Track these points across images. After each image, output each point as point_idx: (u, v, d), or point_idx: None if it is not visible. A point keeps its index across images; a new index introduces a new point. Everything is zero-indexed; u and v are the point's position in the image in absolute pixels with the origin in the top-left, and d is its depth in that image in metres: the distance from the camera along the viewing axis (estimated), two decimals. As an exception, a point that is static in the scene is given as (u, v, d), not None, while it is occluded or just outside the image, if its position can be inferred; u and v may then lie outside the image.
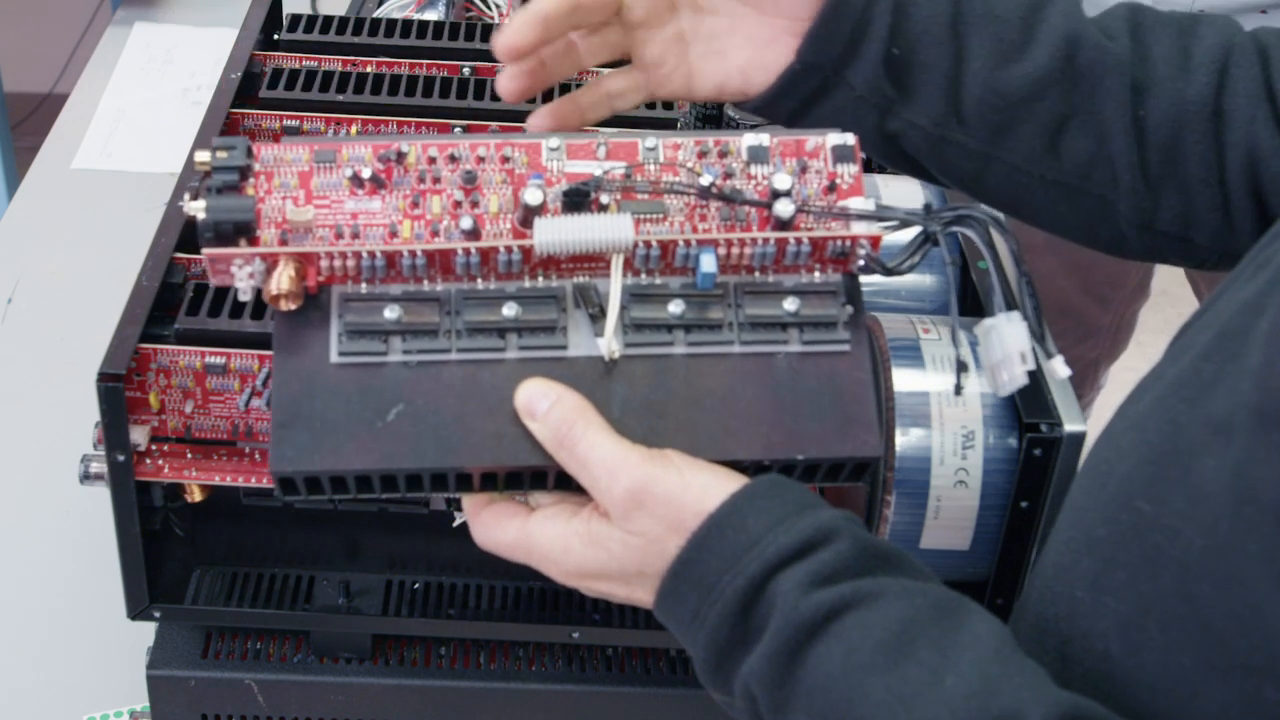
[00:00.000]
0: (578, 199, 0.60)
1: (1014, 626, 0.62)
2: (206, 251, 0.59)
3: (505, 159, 0.62)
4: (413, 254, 0.59)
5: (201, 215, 0.59)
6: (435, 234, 0.60)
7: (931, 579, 0.57)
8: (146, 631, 0.78)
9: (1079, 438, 0.68)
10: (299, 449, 0.58)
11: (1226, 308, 0.55)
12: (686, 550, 0.56)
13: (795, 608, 0.53)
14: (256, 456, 0.72)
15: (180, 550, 0.78)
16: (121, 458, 0.69)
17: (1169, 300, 1.68)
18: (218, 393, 0.70)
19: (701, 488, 0.57)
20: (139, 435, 0.70)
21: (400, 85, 0.91)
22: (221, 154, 0.60)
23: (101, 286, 1.09)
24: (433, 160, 0.61)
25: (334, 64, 0.95)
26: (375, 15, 1.13)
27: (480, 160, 0.62)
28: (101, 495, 0.71)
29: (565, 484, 0.60)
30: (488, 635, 0.78)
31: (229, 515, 0.78)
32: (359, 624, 0.76)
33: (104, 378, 0.67)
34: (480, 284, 0.60)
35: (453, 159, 0.62)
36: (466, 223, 0.60)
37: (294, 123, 0.89)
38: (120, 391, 0.67)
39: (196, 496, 0.75)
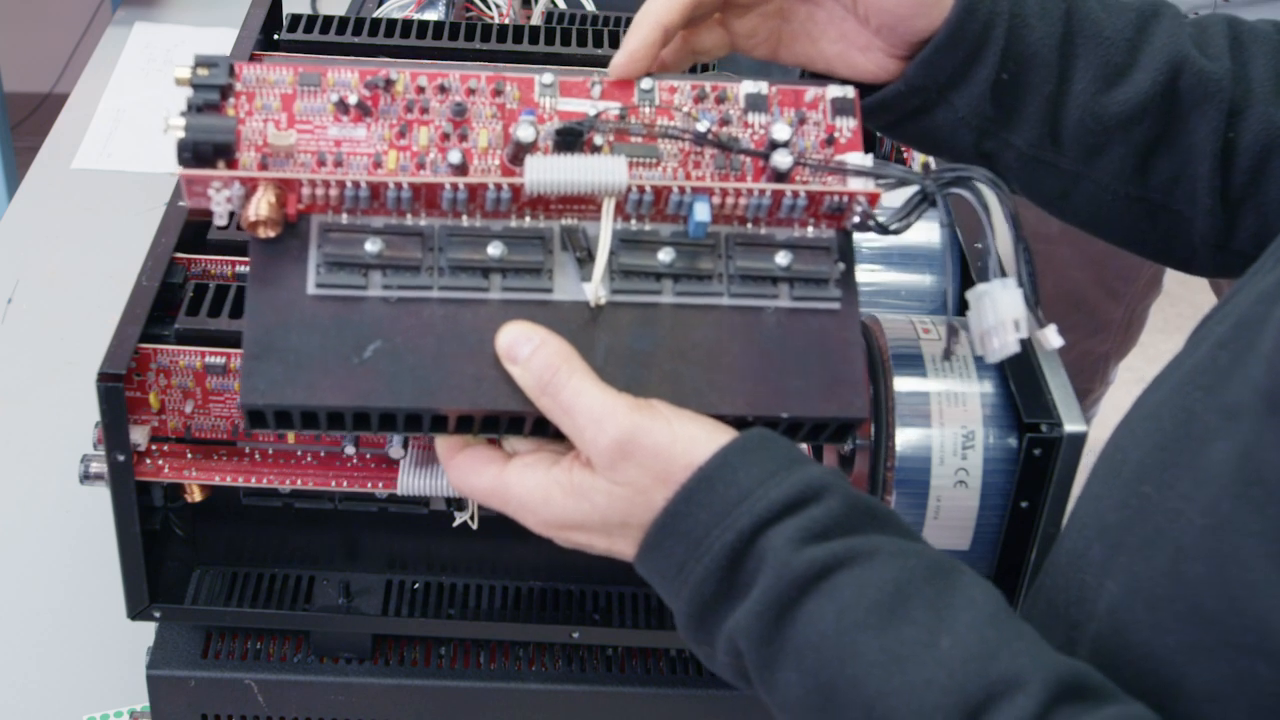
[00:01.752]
0: (570, 138, 0.59)
1: (1025, 613, 0.62)
2: (183, 172, 0.57)
3: (497, 92, 0.60)
4: (398, 186, 0.57)
5: (180, 134, 0.57)
6: (421, 166, 0.59)
7: (920, 539, 0.57)
8: (146, 631, 0.78)
9: (1079, 438, 0.68)
10: (271, 381, 0.56)
11: (1246, 298, 0.55)
12: (674, 503, 0.55)
13: (787, 563, 0.53)
14: (256, 456, 0.72)
15: (180, 550, 0.78)
16: (121, 458, 0.69)
17: (1170, 300, 1.68)
18: (218, 393, 0.70)
19: (690, 439, 0.56)
20: (139, 435, 0.70)
21: (400, 85, 0.91)
22: (202, 71, 0.58)
23: (101, 286, 1.09)
24: (421, 90, 0.60)
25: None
26: (375, 15, 1.13)
27: (471, 93, 0.60)
28: (101, 495, 0.71)
29: (542, 430, 0.58)
30: (488, 635, 0.78)
31: (229, 515, 0.78)
32: (359, 624, 0.76)
33: (104, 378, 0.67)
34: (465, 221, 0.59)
35: (442, 89, 0.60)
36: (455, 156, 0.58)
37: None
38: (120, 391, 0.67)
39: (196, 496, 0.75)
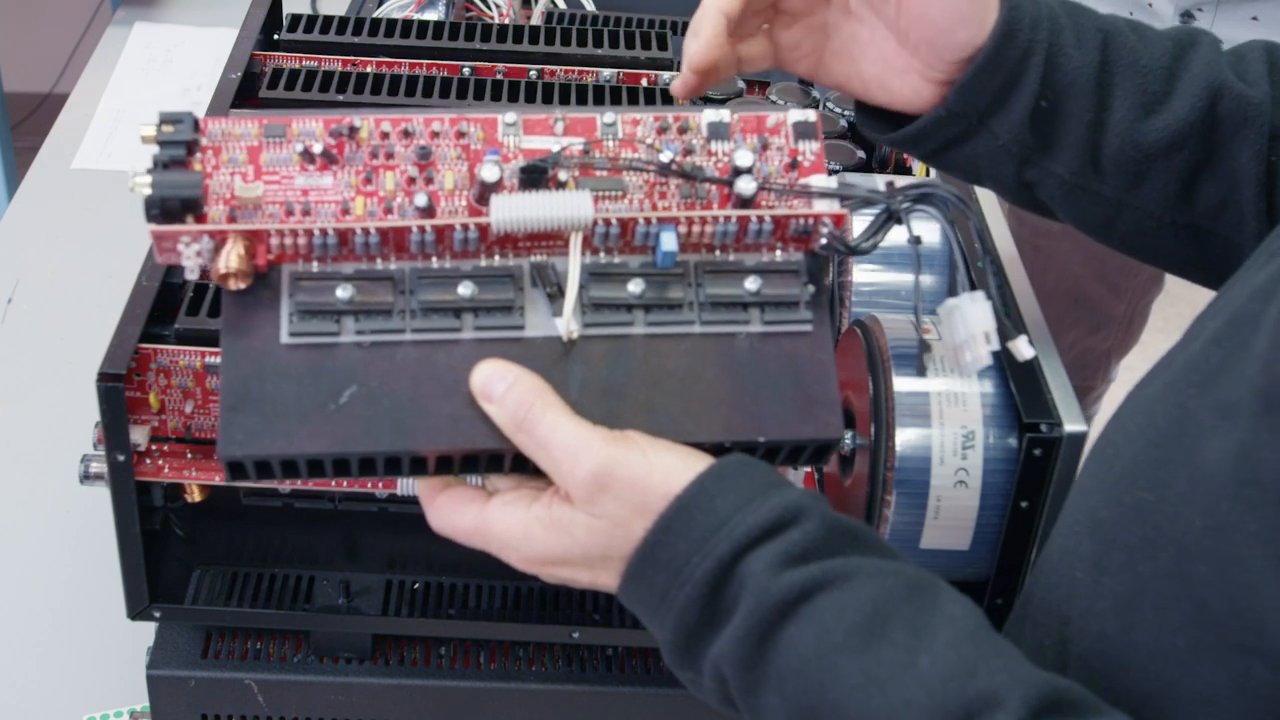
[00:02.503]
0: (535, 175, 0.59)
1: (1019, 610, 0.62)
2: (153, 229, 0.57)
3: (460, 134, 0.60)
4: (366, 231, 0.58)
5: (147, 191, 0.57)
6: (389, 211, 0.59)
7: (900, 557, 0.57)
8: (146, 631, 0.78)
9: (1079, 438, 0.68)
10: (249, 433, 0.56)
11: (1238, 294, 0.55)
12: (653, 533, 0.55)
13: (766, 589, 0.53)
14: (256, 456, 0.72)
15: (180, 550, 0.78)
16: (121, 458, 0.69)
17: (1170, 300, 1.68)
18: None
19: (667, 469, 0.56)
20: (139, 435, 0.70)
21: (400, 85, 0.91)
22: (167, 128, 0.58)
23: (101, 286, 1.09)
24: (385, 135, 0.60)
25: (334, 64, 0.96)
26: (375, 15, 1.13)
27: (435, 135, 0.60)
28: (101, 495, 0.71)
29: (522, 466, 0.59)
30: (488, 635, 0.78)
31: (229, 515, 0.78)
32: (359, 624, 0.76)
33: (104, 378, 0.67)
34: (435, 263, 0.59)
35: (406, 134, 0.60)
36: (421, 199, 0.59)
37: (294, 123, 0.89)
38: (120, 391, 0.67)
39: (196, 496, 0.75)
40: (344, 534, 0.79)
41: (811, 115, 0.62)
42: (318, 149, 0.59)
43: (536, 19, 1.16)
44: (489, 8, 1.16)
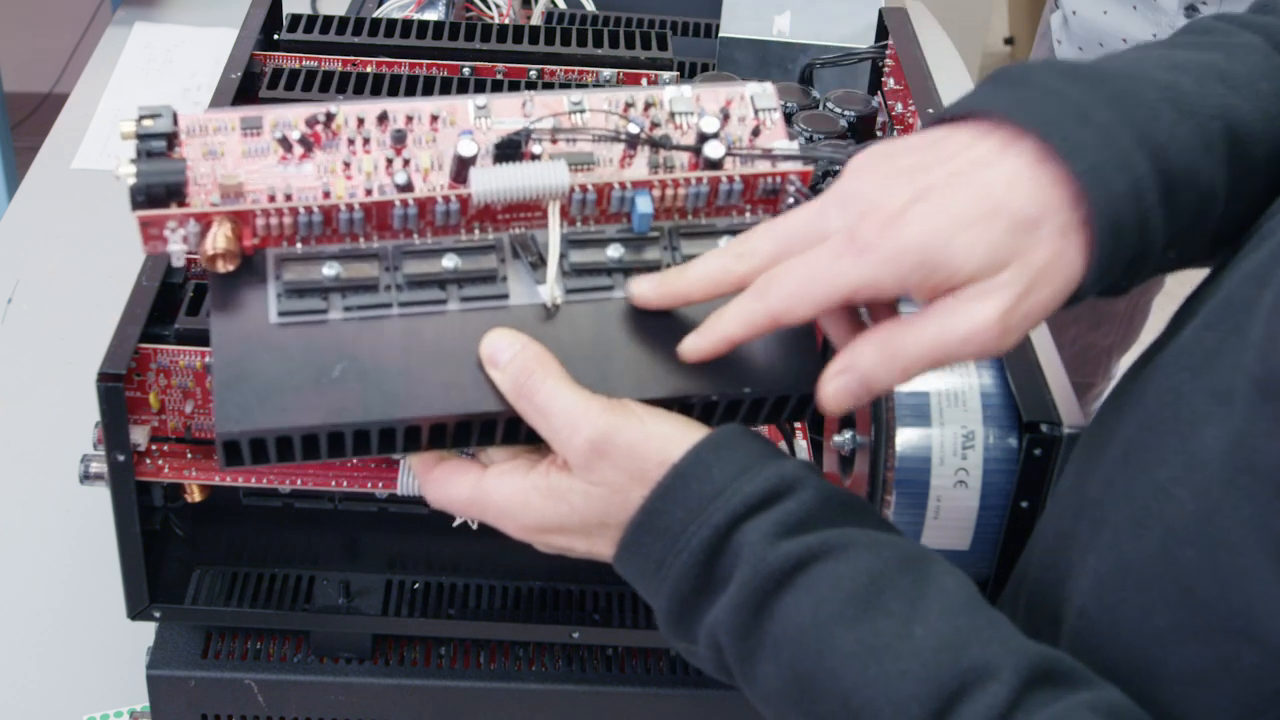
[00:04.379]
0: (509, 150, 0.60)
1: (1011, 589, 0.62)
2: (139, 215, 0.57)
3: (434, 117, 0.62)
4: (350, 208, 0.59)
5: (131, 180, 0.57)
6: (369, 192, 0.60)
7: (894, 530, 0.57)
8: (146, 631, 0.78)
9: (1079, 438, 0.68)
10: (244, 408, 0.57)
11: (1230, 278, 0.55)
12: (650, 500, 0.56)
13: (763, 558, 0.54)
14: (256, 456, 0.72)
15: (180, 550, 0.78)
16: (121, 458, 0.69)
17: (1170, 299, 1.68)
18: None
19: (664, 437, 0.57)
20: (139, 435, 0.70)
21: (400, 85, 0.91)
22: (147, 121, 0.59)
23: (101, 286, 1.09)
24: (361, 122, 0.61)
25: (334, 64, 0.96)
26: (375, 15, 1.13)
27: (409, 120, 0.61)
28: (101, 495, 0.71)
29: (514, 435, 0.59)
30: (488, 635, 0.78)
31: (229, 515, 0.78)
32: (359, 624, 0.76)
33: (104, 378, 0.67)
34: (417, 239, 0.60)
35: (381, 120, 0.61)
36: (401, 177, 0.60)
37: (294, 123, 0.89)
38: (120, 391, 0.67)
39: (196, 496, 0.75)
40: (344, 534, 0.79)
41: (770, 87, 0.64)
42: (295, 135, 0.60)
43: (536, 19, 1.16)
44: (489, 8, 1.16)
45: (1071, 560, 0.56)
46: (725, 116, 0.63)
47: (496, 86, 0.92)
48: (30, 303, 1.13)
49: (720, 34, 1.13)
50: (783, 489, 0.55)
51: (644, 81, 0.97)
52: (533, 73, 0.96)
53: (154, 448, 0.71)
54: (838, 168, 0.62)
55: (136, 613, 0.75)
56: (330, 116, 0.61)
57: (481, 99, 0.62)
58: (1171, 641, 0.51)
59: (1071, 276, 0.54)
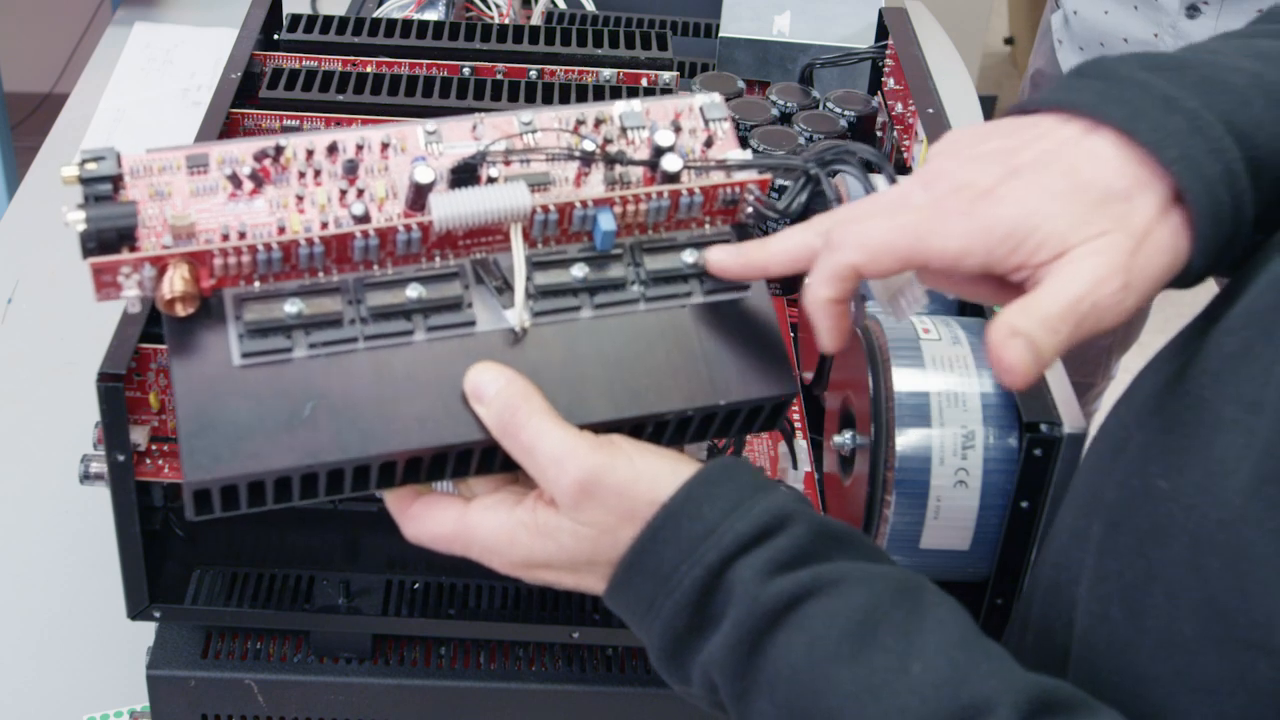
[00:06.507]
0: (466, 174, 0.60)
1: (1027, 594, 0.62)
2: (92, 262, 0.56)
3: (385, 145, 0.61)
4: (310, 242, 0.57)
5: (81, 225, 0.56)
6: (325, 224, 0.59)
7: (886, 559, 0.57)
8: (146, 631, 0.78)
9: (1079, 438, 0.68)
10: (213, 456, 0.55)
11: (1254, 284, 0.55)
12: (641, 540, 0.55)
13: (756, 596, 0.53)
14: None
15: (180, 550, 0.78)
16: (121, 458, 0.69)
17: (1170, 300, 1.68)
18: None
19: (654, 475, 0.56)
20: (139, 435, 0.70)
21: (400, 85, 0.91)
22: (91, 165, 0.57)
23: (101, 286, 1.09)
24: (311, 154, 0.60)
25: (334, 64, 0.96)
26: (375, 15, 1.13)
27: (359, 149, 0.60)
28: (101, 495, 0.71)
29: (489, 464, 0.59)
30: (488, 635, 0.78)
31: (229, 515, 0.77)
32: (359, 624, 0.76)
33: (104, 378, 0.67)
34: (377, 271, 0.59)
35: (331, 150, 0.60)
36: (358, 208, 0.59)
37: (294, 123, 0.89)
38: (120, 391, 0.67)
39: (196, 496, 0.75)
40: (344, 534, 0.79)
41: (717, 97, 0.64)
42: (245, 171, 0.59)
43: (536, 19, 1.16)
44: (489, 8, 1.16)
45: (1083, 561, 0.56)
46: (676, 129, 0.63)
47: (496, 86, 0.92)
48: (30, 303, 1.13)
49: (720, 34, 1.13)
50: (774, 525, 0.55)
51: (643, 81, 0.97)
52: (533, 73, 0.96)
53: (154, 448, 0.71)
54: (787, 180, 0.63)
55: (136, 613, 0.75)
56: (279, 150, 0.59)
57: (431, 124, 0.61)
58: (1195, 649, 0.50)
59: (1178, 250, 0.54)
